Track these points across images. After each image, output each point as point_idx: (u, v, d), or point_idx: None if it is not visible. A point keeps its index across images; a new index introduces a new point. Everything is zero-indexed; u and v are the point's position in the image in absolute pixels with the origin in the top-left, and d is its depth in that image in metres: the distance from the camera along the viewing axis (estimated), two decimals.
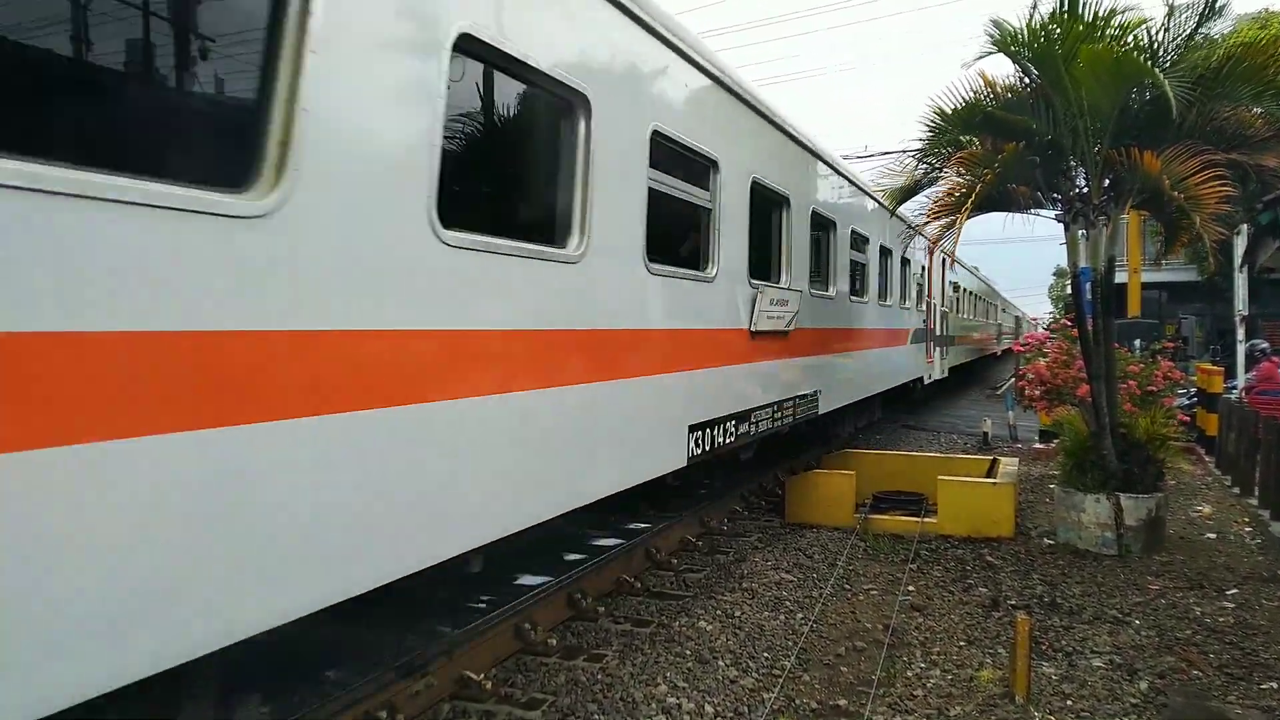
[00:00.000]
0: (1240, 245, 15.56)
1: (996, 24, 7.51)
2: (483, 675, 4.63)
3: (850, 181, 10.44)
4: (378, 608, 3.48)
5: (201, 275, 2.52)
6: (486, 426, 3.81)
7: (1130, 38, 7.39)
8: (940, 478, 8.98)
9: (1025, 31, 7.34)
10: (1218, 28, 7.64)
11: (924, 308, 15.86)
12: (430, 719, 4.42)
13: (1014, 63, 7.83)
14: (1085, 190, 8.06)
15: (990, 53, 7.68)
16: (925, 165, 8.80)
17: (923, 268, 15.77)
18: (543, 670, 5.13)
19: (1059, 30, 7.21)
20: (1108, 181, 7.98)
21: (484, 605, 5.31)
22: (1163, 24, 7.51)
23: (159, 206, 2.39)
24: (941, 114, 8.06)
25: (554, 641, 5.30)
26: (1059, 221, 8.50)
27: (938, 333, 17.41)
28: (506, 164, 4.83)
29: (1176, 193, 6.83)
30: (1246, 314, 16.53)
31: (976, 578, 7.22)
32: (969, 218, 7.70)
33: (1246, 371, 15.63)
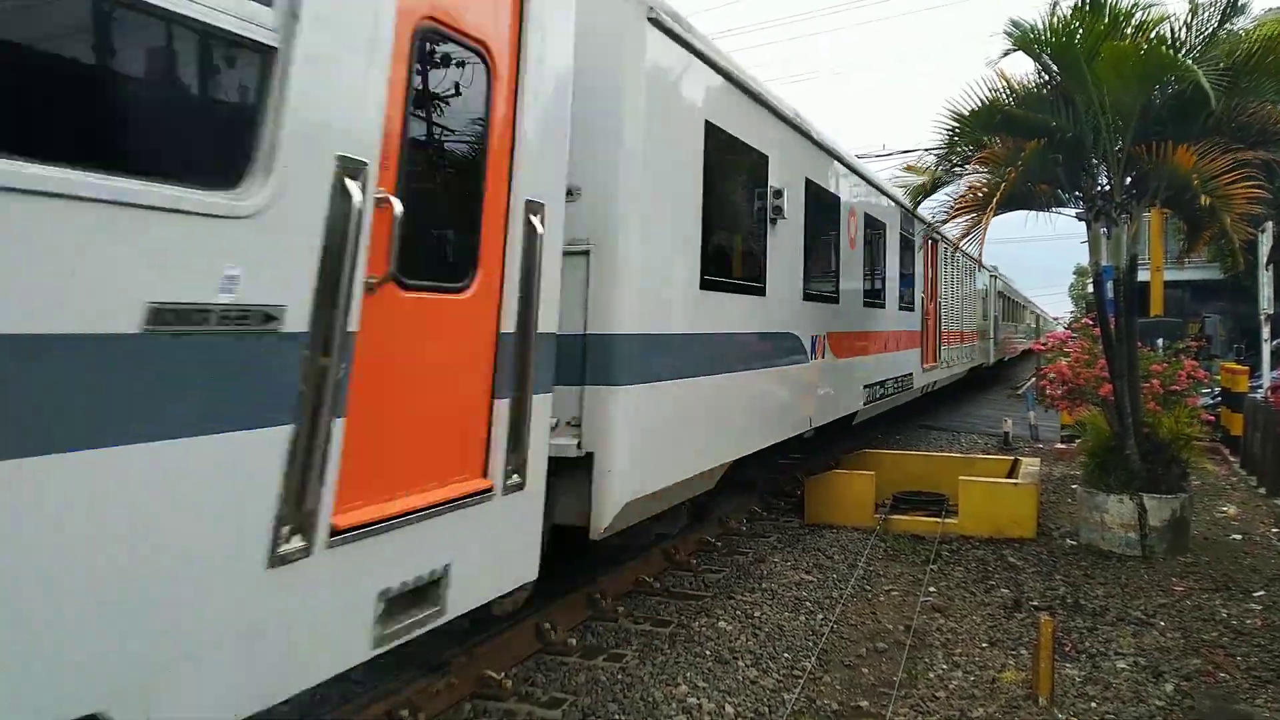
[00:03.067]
0: (1265, 243, 15.35)
1: (1016, 23, 7.47)
2: (503, 675, 4.66)
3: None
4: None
5: None
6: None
7: (1153, 33, 7.32)
8: (961, 478, 8.93)
9: (1046, 30, 7.29)
10: (1240, 23, 7.56)
11: (988, 319, 24.97)
12: (452, 718, 4.44)
13: (1034, 60, 7.78)
14: (1107, 188, 7.99)
15: (1011, 51, 7.64)
16: (945, 164, 8.75)
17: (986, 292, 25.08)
18: (563, 670, 5.13)
19: (1080, 27, 7.15)
20: (1130, 179, 7.91)
21: None
22: (1184, 22, 7.45)
23: None
24: (960, 114, 8.02)
25: (574, 641, 5.32)
26: (1080, 219, 8.43)
27: (993, 335, 25.91)
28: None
29: (1205, 194, 6.76)
30: (1271, 312, 16.29)
31: (998, 579, 7.17)
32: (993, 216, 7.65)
33: (1272, 370, 15.44)
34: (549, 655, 5.23)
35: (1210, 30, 7.41)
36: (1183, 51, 7.37)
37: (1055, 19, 7.29)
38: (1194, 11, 7.47)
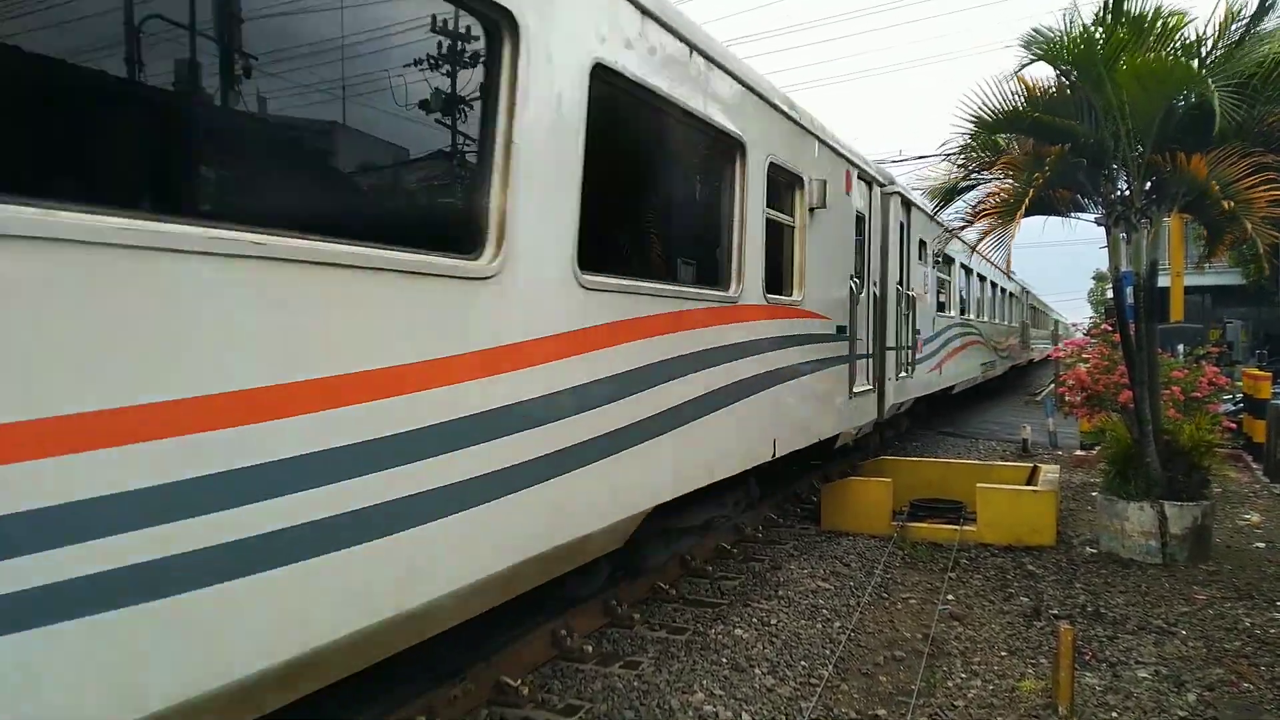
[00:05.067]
0: None
1: (1037, 30, 7.40)
2: (520, 681, 4.66)
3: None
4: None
5: None
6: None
7: (1177, 38, 7.26)
8: (979, 485, 8.86)
9: (1064, 40, 7.22)
10: (1269, 24, 7.48)
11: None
12: None
13: (1054, 67, 7.72)
14: (1127, 193, 7.92)
15: (1030, 61, 7.56)
16: (963, 170, 8.69)
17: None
18: (579, 677, 5.14)
19: (1101, 35, 7.09)
20: (1150, 184, 7.84)
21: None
22: (1205, 28, 7.38)
23: None
24: (980, 119, 7.96)
25: (590, 648, 5.32)
26: (1100, 225, 8.36)
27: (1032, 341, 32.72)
28: None
29: (1226, 199, 6.69)
30: None
31: (1017, 587, 7.12)
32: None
33: None
34: (565, 662, 5.24)
35: (1238, 33, 7.34)
36: (1204, 56, 7.30)
37: (1075, 25, 7.24)
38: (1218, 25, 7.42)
